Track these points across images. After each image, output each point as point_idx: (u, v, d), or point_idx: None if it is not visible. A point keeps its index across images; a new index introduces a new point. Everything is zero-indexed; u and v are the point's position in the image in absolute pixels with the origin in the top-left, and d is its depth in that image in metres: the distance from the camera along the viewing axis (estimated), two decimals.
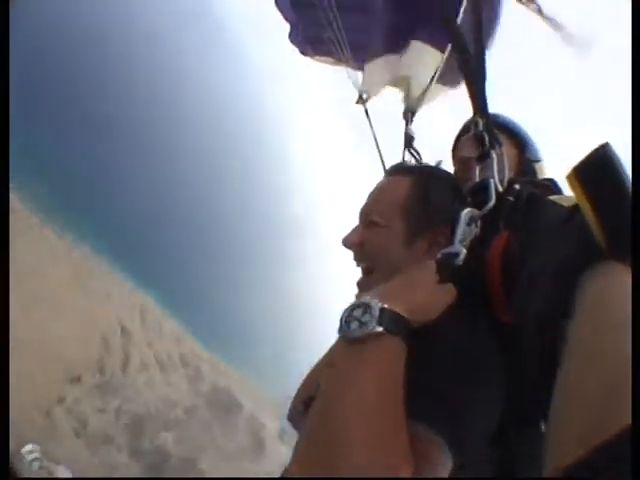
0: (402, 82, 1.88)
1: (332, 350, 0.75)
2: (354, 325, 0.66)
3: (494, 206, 0.92)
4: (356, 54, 1.98)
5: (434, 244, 0.99)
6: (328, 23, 1.86)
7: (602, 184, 0.55)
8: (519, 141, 1.43)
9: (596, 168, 0.56)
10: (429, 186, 1.04)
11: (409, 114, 1.83)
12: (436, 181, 1.07)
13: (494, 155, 1.01)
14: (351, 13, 1.88)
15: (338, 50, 1.95)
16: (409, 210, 1.05)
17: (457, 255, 0.82)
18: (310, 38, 2.18)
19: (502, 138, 1.18)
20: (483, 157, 1.04)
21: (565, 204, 0.78)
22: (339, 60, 2.10)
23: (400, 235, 1.04)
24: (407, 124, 1.81)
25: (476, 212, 0.91)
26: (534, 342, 0.61)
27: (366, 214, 1.07)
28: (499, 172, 0.98)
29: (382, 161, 1.79)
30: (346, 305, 0.70)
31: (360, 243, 1.04)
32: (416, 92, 1.84)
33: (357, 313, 0.67)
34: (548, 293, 0.60)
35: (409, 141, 1.71)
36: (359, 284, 1.04)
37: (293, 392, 1.25)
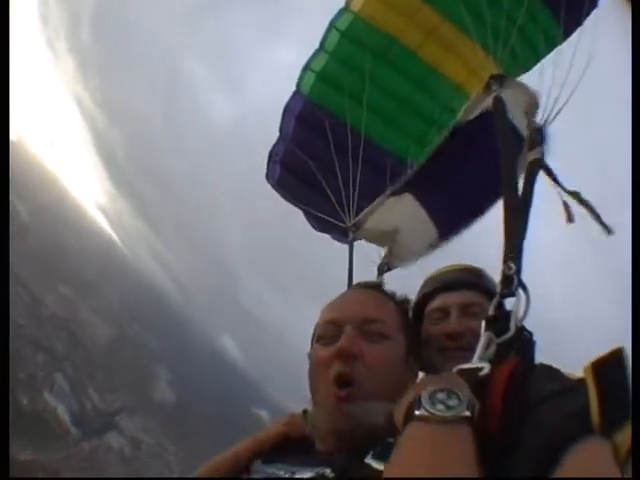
0: (388, 233, 1.88)
1: (409, 429, 0.71)
2: (440, 407, 0.67)
3: (510, 336, 0.97)
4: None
5: (415, 363, 1.14)
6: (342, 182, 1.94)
7: (612, 380, 0.71)
8: None
9: (611, 366, 0.72)
10: (408, 315, 1.20)
11: (385, 267, 1.84)
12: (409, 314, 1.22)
13: (521, 294, 1.04)
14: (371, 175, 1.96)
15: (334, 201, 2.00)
16: (407, 328, 1.15)
17: (481, 369, 0.84)
18: (299, 174, 2.20)
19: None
20: (507, 295, 1.07)
21: (566, 380, 0.91)
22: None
23: (403, 350, 1.10)
24: (379, 275, 1.84)
25: (493, 337, 0.97)
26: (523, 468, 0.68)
27: (367, 321, 1.06)
28: (519, 314, 1.02)
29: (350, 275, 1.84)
30: (423, 390, 0.72)
31: (354, 355, 1.02)
32: (400, 250, 1.86)
33: (441, 396, 0.69)
34: (541, 447, 0.68)
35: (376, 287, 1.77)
36: (348, 397, 1.01)
37: None
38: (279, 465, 1.05)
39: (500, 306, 1.06)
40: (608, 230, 1.22)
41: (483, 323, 1.03)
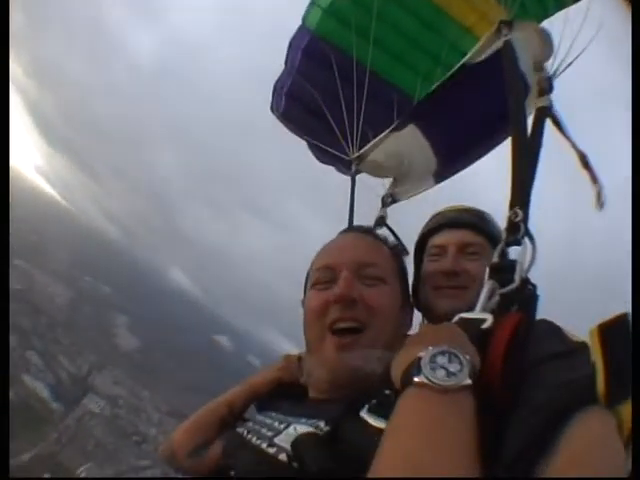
0: (394, 165, 1.87)
1: (408, 397, 0.65)
2: (441, 373, 0.63)
3: (514, 288, 0.94)
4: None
5: (410, 312, 1.17)
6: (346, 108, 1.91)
7: (618, 346, 0.70)
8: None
9: (617, 333, 0.72)
10: (402, 260, 1.20)
11: (389, 199, 1.83)
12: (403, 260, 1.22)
13: (528, 244, 1.00)
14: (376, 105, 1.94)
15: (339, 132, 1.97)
16: (401, 275, 1.16)
17: (484, 321, 0.81)
18: (305, 106, 2.15)
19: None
20: (513, 244, 1.03)
21: (569, 340, 0.87)
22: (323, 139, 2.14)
23: (399, 296, 1.10)
24: (383, 206, 1.81)
25: (497, 286, 0.95)
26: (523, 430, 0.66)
27: (362, 266, 1.05)
28: (524, 264, 0.98)
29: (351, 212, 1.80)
30: (423, 352, 0.67)
31: (354, 300, 1.01)
32: (405, 180, 1.87)
33: (442, 360, 0.64)
34: (543, 413, 0.66)
35: (379, 221, 1.75)
36: (351, 344, 0.99)
37: None
38: (273, 415, 1.03)
39: (504, 255, 1.03)
40: (601, 204, 1.19)
41: (487, 270, 1.00)
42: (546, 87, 1.25)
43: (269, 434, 0.90)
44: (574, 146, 1.23)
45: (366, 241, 1.16)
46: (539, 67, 1.33)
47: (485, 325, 0.79)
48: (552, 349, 0.82)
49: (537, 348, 0.81)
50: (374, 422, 0.75)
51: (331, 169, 2.36)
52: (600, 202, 1.20)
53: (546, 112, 1.19)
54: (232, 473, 0.91)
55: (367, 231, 1.27)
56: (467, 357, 0.66)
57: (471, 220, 1.43)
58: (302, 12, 2.07)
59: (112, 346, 61.18)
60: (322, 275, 1.08)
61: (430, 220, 1.54)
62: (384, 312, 1.02)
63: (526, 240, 1.00)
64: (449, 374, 0.63)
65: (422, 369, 0.64)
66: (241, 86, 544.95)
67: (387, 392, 0.76)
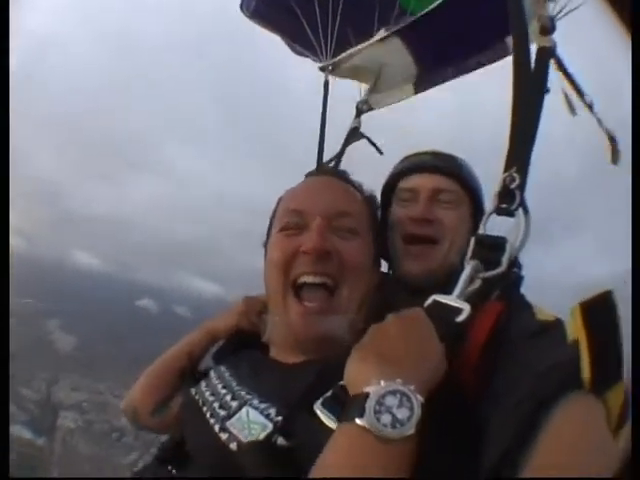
0: (372, 69, 1.73)
1: (345, 434, 0.60)
2: (386, 419, 0.56)
3: (499, 273, 0.82)
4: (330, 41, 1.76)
5: (380, 266, 1.08)
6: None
7: (603, 327, 0.62)
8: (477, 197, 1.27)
9: (602, 313, 0.62)
10: (376, 211, 1.10)
11: (364, 107, 1.72)
12: (378, 207, 1.13)
13: (522, 217, 0.86)
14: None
15: (314, 34, 1.77)
16: (374, 225, 1.05)
17: (459, 311, 0.74)
18: (277, 4, 1.90)
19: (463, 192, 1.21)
20: (504, 213, 0.89)
21: (541, 317, 0.82)
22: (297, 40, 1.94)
23: (372, 250, 1.00)
24: (357, 115, 1.70)
25: (480, 268, 0.83)
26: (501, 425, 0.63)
27: (337, 215, 0.96)
28: (515, 242, 0.85)
29: (321, 144, 1.66)
30: (373, 386, 0.59)
31: (329, 253, 0.92)
32: (382, 85, 1.75)
33: (391, 402, 0.57)
34: (524, 401, 0.62)
35: (353, 132, 1.65)
36: (320, 309, 0.91)
37: None
38: (227, 377, 0.97)
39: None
40: (615, 159, 1.08)
41: (471, 243, 0.87)
42: (548, 25, 1.04)
43: (222, 414, 0.86)
44: (581, 95, 1.09)
45: (341, 187, 1.06)
46: (541, 2, 1.10)
47: (460, 318, 0.73)
48: (528, 328, 0.77)
49: (512, 327, 0.76)
50: (326, 420, 0.67)
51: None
52: (615, 157, 1.08)
53: (549, 53, 1.00)
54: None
55: (341, 175, 1.14)
56: (419, 399, 0.58)
57: (446, 165, 1.27)
58: None
59: (54, 353, 63.01)
60: (291, 220, 0.98)
61: (400, 162, 1.37)
62: (358, 269, 0.95)
63: (520, 212, 0.86)
64: (395, 421, 0.56)
65: (366, 411, 0.57)
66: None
67: (342, 383, 0.68)
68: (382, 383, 0.60)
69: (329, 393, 0.71)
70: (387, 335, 0.70)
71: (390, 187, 1.32)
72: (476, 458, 0.62)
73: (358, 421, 0.58)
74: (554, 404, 0.60)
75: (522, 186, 0.86)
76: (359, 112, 1.74)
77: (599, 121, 1.11)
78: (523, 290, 0.96)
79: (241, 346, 1.14)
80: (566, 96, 1.12)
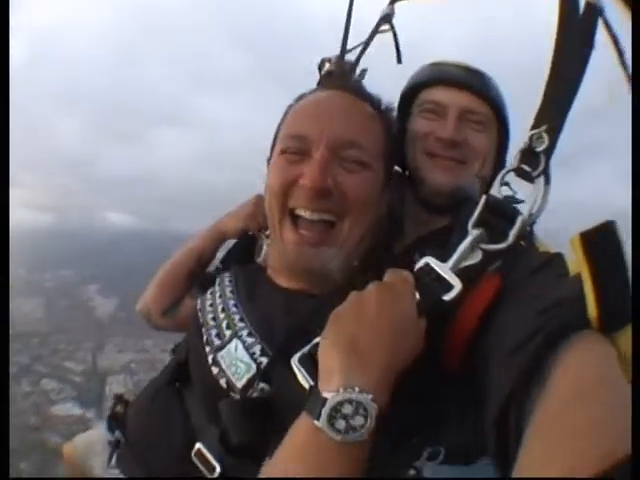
0: None
1: (301, 430, 0.61)
2: (340, 425, 0.57)
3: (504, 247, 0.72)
4: None
5: (390, 192, 0.94)
6: None
7: (606, 259, 0.55)
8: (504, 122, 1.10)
9: (604, 242, 0.56)
10: (392, 127, 0.97)
11: None
12: (394, 124, 1.00)
13: (542, 186, 0.73)
14: None
15: None
16: (388, 149, 0.94)
17: (450, 288, 0.67)
18: None
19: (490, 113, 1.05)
20: (523, 176, 0.75)
21: (542, 250, 0.76)
22: None
23: (383, 180, 0.92)
24: (391, 3, 1.33)
25: (484, 238, 0.71)
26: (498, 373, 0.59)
27: (344, 145, 0.85)
28: (533, 210, 0.73)
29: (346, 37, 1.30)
30: (332, 393, 0.58)
31: (329, 190, 0.83)
32: None
33: (347, 410, 0.57)
34: (528, 347, 0.56)
35: (384, 19, 1.33)
36: (317, 240, 0.84)
37: None
38: (228, 293, 0.93)
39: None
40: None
41: (480, 204, 0.74)
42: None
43: (217, 343, 0.84)
44: (623, 60, 0.86)
45: (354, 109, 0.90)
46: None
47: (448, 297, 0.66)
48: (530, 264, 0.71)
49: (515, 267, 0.71)
50: (301, 378, 0.66)
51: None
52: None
53: (597, 11, 0.80)
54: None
55: (359, 91, 0.96)
56: (374, 409, 0.57)
57: (479, 83, 1.08)
58: None
59: (96, 319, 65.00)
60: (293, 144, 0.87)
61: (422, 70, 1.15)
62: (362, 204, 0.85)
63: (541, 180, 0.72)
64: (349, 428, 0.56)
65: (322, 416, 0.57)
66: None
67: (319, 340, 0.67)
68: (341, 390, 0.59)
69: (306, 349, 0.70)
70: (364, 312, 0.66)
71: (410, 96, 1.14)
72: (474, 413, 0.63)
73: (315, 422, 0.59)
74: (562, 341, 0.55)
75: (550, 150, 0.74)
76: None
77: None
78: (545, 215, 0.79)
79: (248, 251, 1.16)
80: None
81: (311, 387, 0.64)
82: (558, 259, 0.71)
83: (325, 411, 0.58)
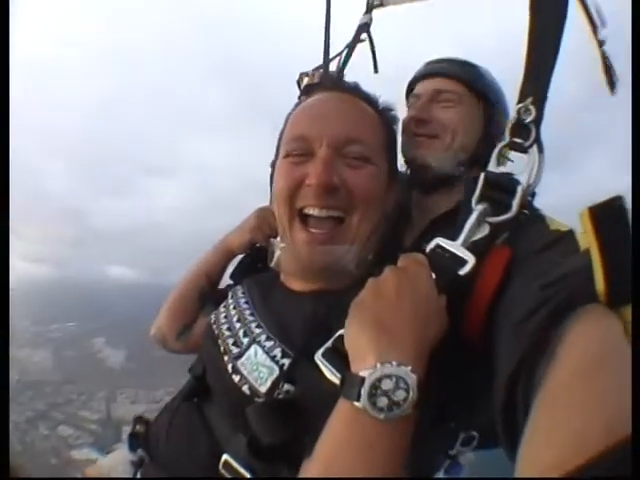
0: None
1: (343, 415, 0.59)
2: (383, 402, 0.56)
3: (509, 218, 0.75)
4: None
5: (395, 188, 0.96)
6: None
7: (615, 233, 0.56)
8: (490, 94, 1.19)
9: (612, 216, 0.56)
10: (393, 125, 1.00)
11: (375, 1, 1.47)
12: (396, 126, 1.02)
13: (536, 155, 0.77)
14: None
15: None
16: (390, 144, 0.97)
17: (463, 262, 0.70)
18: None
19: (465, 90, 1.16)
20: (517, 148, 0.80)
21: (554, 227, 0.77)
22: None
23: (386, 175, 0.94)
24: (368, 11, 1.46)
25: (489, 212, 0.75)
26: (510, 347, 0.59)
27: (346, 142, 0.87)
28: (528, 184, 0.77)
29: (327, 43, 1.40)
30: (369, 370, 0.57)
31: (335, 186, 0.84)
32: None
33: (387, 386, 0.56)
34: (537, 318, 0.57)
35: (362, 29, 1.45)
36: (328, 238, 0.85)
37: None
38: (242, 304, 0.95)
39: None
40: (612, 87, 0.93)
41: (480, 181, 0.78)
42: None
43: (235, 351, 0.84)
44: (595, 31, 0.93)
45: (352, 107, 0.93)
46: None
47: (463, 271, 0.69)
48: (539, 240, 0.72)
49: (523, 242, 0.72)
50: (327, 372, 0.66)
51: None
52: (612, 86, 0.94)
53: None
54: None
55: (354, 90, 0.99)
56: (414, 380, 0.57)
57: (450, 68, 1.21)
58: None
59: (107, 371, 64.84)
60: (296, 146, 0.89)
61: (418, 68, 1.32)
62: (368, 198, 0.87)
63: (535, 149, 0.77)
64: (392, 404, 0.56)
65: (362, 395, 0.56)
66: None
67: (342, 333, 0.67)
68: (378, 366, 0.58)
69: (329, 344, 0.70)
70: (384, 294, 0.67)
71: (407, 93, 1.34)
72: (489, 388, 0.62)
73: (355, 403, 0.58)
74: (569, 314, 0.55)
75: (538, 120, 0.78)
76: (370, 7, 1.51)
77: (604, 54, 0.96)
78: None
79: (258, 263, 1.16)
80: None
81: (343, 376, 0.62)
82: (569, 235, 0.70)
83: (365, 390, 0.56)
